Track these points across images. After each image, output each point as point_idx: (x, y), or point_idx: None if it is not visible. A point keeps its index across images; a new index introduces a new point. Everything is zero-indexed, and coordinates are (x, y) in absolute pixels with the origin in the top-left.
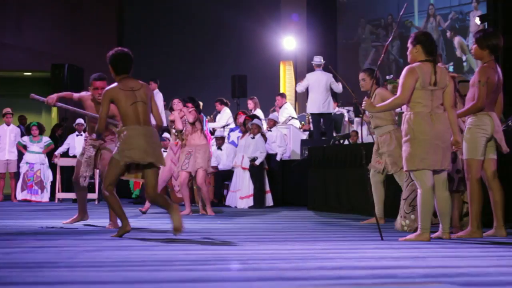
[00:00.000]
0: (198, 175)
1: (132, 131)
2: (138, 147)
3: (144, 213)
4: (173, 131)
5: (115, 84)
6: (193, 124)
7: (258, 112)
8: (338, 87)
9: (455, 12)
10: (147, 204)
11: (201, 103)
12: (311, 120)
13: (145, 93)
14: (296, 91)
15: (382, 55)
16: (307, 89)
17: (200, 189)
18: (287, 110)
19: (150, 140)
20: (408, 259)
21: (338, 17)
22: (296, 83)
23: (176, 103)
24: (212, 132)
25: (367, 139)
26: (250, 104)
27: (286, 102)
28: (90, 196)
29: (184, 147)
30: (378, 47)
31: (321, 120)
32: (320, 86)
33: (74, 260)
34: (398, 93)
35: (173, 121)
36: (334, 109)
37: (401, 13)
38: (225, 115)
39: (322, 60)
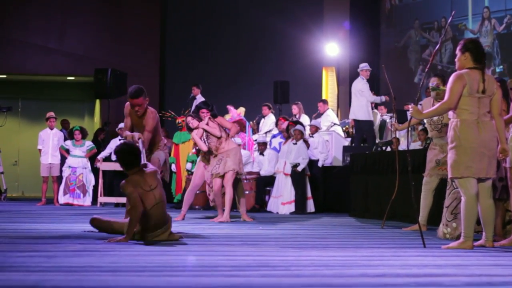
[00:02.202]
0: (226, 176)
1: None
2: None
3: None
4: (196, 150)
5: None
6: (219, 137)
7: (304, 118)
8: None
9: (510, 16)
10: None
11: (243, 109)
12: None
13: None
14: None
15: (429, 64)
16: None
17: (226, 189)
18: (329, 117)
19: None
20: (451, 267)
21: (382, 23)
22: (338, 89)
23: (191, 122)
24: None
25: (415, 146)
26: (295, 109)
27: (328, 109)
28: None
29: (215, 157)
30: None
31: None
32: (355, 93)
33: (117, 264)
34: (446, 97)
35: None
36: (381, 115)
37: (448, 21)
38: (269, 121)
39: (361, 67)
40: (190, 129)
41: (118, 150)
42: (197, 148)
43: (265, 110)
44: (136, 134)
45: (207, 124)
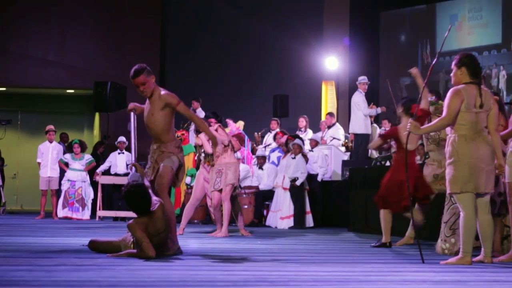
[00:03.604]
0: (225, 190)
1: None
2: None
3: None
4: (202, 154)
5: None
6: (227, 145)
7: (309, 132)
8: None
9: None
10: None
11: (242, 123)
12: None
13: None
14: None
15: (427, 78)
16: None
17: (224, 203)
18: (340, 130)
19: None
20: (449, 283)
21: (380, 34)
22: (337, 103)
23: None
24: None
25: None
26: (302, 122)
27: (336, 122)
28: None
29: (213, 166)
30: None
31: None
32: (353, 106)
33: (115, 279)
34: (444, 113)
35: (201, 146)
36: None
37: (445, 35)
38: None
39: (359, 80)
40: (198, 132)
41: (128, 196)
42: (203, 150)
43: (273, 124)
44: (131, 104)
45: (216, 130)
